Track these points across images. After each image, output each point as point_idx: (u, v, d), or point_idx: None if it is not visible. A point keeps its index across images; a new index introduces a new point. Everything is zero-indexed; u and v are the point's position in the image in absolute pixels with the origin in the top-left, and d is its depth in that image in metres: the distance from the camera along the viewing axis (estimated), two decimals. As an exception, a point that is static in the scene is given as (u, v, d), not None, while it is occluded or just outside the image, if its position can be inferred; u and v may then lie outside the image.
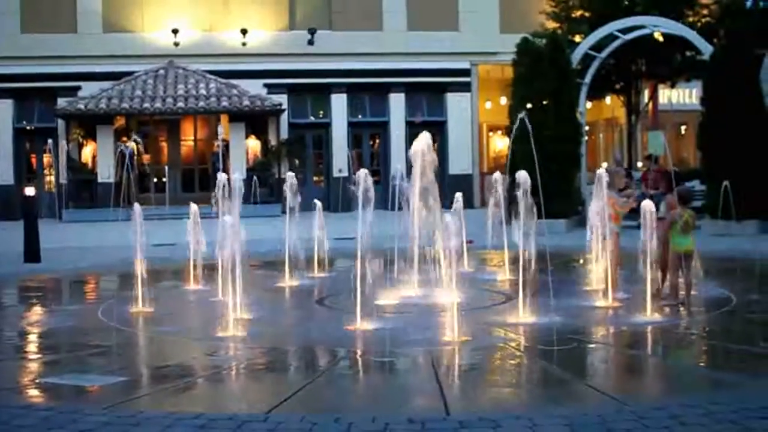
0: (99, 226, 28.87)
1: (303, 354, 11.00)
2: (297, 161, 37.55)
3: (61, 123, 36.31)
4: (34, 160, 37.99)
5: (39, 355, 11.27)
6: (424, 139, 13.93)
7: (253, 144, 37.05)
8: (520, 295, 12.24)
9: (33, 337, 12.39)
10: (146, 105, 35.26)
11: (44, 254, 20.62)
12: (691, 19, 31.39)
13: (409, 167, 14.10)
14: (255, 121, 36.93)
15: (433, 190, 13.81)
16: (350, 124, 38.56)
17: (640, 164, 32.76)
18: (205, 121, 37.68)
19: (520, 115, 16.03)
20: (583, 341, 11.31)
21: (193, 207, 15.82)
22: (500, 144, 41.69)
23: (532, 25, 31.83)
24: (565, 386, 9.13)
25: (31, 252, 20.50)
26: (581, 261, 16.07)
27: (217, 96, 35.99)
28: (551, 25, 32.33)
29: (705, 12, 32.06)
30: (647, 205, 12.24)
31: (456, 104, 38.92)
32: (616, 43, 29.10)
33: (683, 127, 44.45)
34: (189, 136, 38.33)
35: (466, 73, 38.96)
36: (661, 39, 30.13)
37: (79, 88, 36.43)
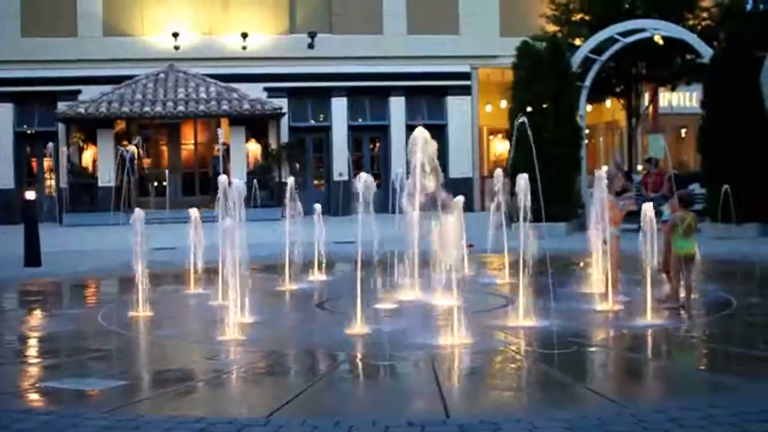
0: (99, 229, 28.86)
1: (303, 357, 11.00)
2: (297, 165, 37.55)
3: (61, 127, 36.34)
4: (34, 164, 38.02)
5: (39, 359, 11.27)
6: (422, 132, 13.90)
7: (254, 148, 37.07)
8: (521, 298, 12.24)
9: (33, 341, 12.40)
10: (146, 109, 35.27)
11: (45, 258, 20.63)
12: (691, 22, 31.42)
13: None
14: (255, 124, 36.95)
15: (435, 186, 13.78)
16: (350, 128, 38.59)
17: (640, 167, 32.74)
18: (205, 124, 37.70)
19: (520, 119, 16.02)
20: (584, 344, 11.30)
21: (194, 212, 15.84)
22: (500, 147, 41.70)
23: (532, 28, 31.85)
24: (565, 389, 9.13)
25: (32, 256, 20.50)
26: (581, 264, 16.06)
27: (217, 100, 36.01)
28: (551, 28, 32.37)
29: (705, 15, 32.10)
30: (647, 207, 12.24)
31: (456, 108, 38.94)
32: (616, 47, 29.12)
33: (683, 130, 44.47)
34: (189, 140, 38.35)
35: (466, 76, 38.98)
36: (661, 42, 30.16)
37: (79, 91, 36.47)
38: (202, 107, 35.62)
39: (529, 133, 15.39)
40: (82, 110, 35.14)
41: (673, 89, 36.91)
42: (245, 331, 11.63)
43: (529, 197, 12.83)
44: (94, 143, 36.39)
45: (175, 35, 37.01)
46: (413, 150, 13.49)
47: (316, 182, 38.97)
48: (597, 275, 14.59)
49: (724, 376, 9.54)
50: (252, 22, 37.68)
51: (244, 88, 36.63)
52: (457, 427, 7.38)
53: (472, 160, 38.84)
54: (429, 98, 38.96)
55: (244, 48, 37.44)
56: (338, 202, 34.09)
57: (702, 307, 13.56)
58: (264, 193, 33.17)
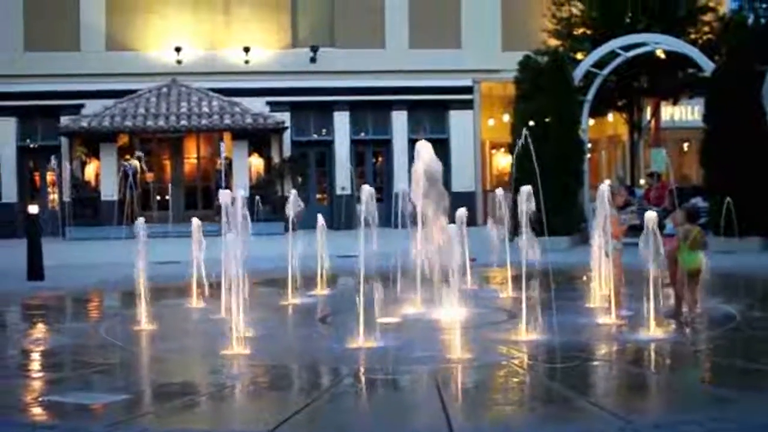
0: (102, 243, 28.88)
1: (306, 372, 11.01)
2: (300, 179, 37.56)
3: (64, 141, 36.40)
4: (37, 178, 38.07)
5: (42, 373, 11.26)
6: (426, 146, 13.93)
7: (256, 162, 37.12)
8: (523, 312, 12.25)
9: (36, 355, 12.39)
10: (149, 123, 35.35)
11: (48, 272, 20.64)
12: (692, 36, 31.44)
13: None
14: (258, 138, 37.00)
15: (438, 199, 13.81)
16: (353, 142, 38.61)
17: (642, 181, 32.76)
18: (207, 138, 37.75)
19: (522, 135, 16.06)
20: (586, 358, 11.30)
21: (196, 222, 15.85)
22: (503, 161, 41.71)
23: (534, 42, 31.88)
24: (568, 404, 9.12)
25: (35, 270, 20.51)
26: (584, 278, 16.07)
27: (219, 114, 36.06)
28: (553, 42, 32.40)
29: (707, 29, 32.12)
30: (650, 218, 12.23)
31: (458, 122, 38.96)
32: (618, 61, 29.15)
33: (686, 144, 44.47)
34: (192, 154, 38.39)
35: (468, 90, 39.01)
36: (663, 56, 30.19)
37: (82, 106, 36.55)
38: (204, 121, 35.69)
39: (531, 147, 15.44)
40: (84, 124, 35.21)
41: (675, 103, 36.92)
42: (249, 345, 11.63)
43: (531, 211, 12.83)
44: (97, 157, 36.44)
45: (178, 50, 37.09)
46: (417, 163, 13.56)
47: (318, 196, 38.97)
48: (600, 289, 14.60)
49: (727, 389, 9.53)
50: (254, 37, 37.75)
51: (246, 102, 36.70)
52: (460, 441, 7.40)
53: (474, 174, 38.83)
54: (431, 112, 38.98)
55: (246, 62, 37.51)
56: (341, 216, 34.10)
57: (705, 321, 13.54)
58: (266, 208, 33.18)
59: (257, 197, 29.64)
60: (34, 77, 35.73)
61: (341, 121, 38.50)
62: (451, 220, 13.90)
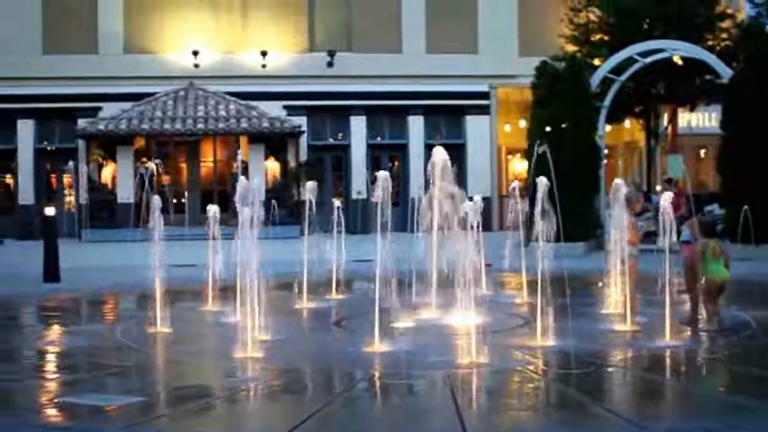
0: (118, 246, 28.95)
1: (320, 376, 11.00)
2: (316, 183, 37.45)
3: (81, 143, 36.49)
4: (54, 181, 38.13)
5: (57, 375, 11.29)
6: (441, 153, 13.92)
7: (273, 165, 37.13)
8: (538, 317, 12.23)
9: (52, 357, 12.43)
10: (166, 126, 35.40)
11: (64, 274, 20.69)
12: (710, 43, 31.40)
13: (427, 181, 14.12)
14: (274, 142, 37.00)
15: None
16: (369, 146, 38.60)
17: (659, 188, 32.68)
18: (224, 142, 37.76)
19: (540, 143, 16.00)
20: (601, 365, 11.28)
21: (212, 208, 15.96)
22: (519, 167, 41.65)
23: (551, 48, 31.85)
24: (583, 410, 9.11)
25: (51, 271, 20.57)
26: (600, 284, 16.05)
27: (236, 117, 36.12)
28: (570, 48, 32.38)
29: (724, 35, 32.07)
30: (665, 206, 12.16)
31: (475, 127, 38.89)
32: (635, 67, 29.12)
33: (702, 151, 44.36)
34: (208, 158, 38.40)
35: (485, 95, 38.96)
36: (680, 62, 30.14)
37: (99, 108, 36.63)
38: (221, 125, 35.73)
39: (548, 153, 15.41)
40: (102, 127, 35.29)
41: (692, 110, 36.84)
42: (263, 349, 11.64)
43: (548, 217, 12.81)
44: (114, 160, 36.53)
45: (195, 53, 37.15)
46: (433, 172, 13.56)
47: (334, 200, 38.86)
48: (615, 295, 14.57)
49: (742, 397, 9.50)
50: (271, 41, 37.79)
51: (263, 106, 36.72)
52: (474, 446, 7.39)
53: (490, 180, 38.76)
54: (448, 117, 38.94)
55: (263, 66, 37.54)
56: (357, 221, 34.09)
57: (721, 328, 13.48)
58: (282, 211, 33.19)
59: (273, 201, 29.67)
60: (52, 80, 35.83)
61: (358, 125, 38.50)
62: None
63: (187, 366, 11.73)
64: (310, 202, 17.81)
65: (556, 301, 12.66)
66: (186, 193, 36.76)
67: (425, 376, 10.51)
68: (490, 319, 13.56)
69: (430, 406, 9.34)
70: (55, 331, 14.66)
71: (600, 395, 9.86)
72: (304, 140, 37.58)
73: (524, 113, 31.65)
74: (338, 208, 17.28)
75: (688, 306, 13.83)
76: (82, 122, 35.94)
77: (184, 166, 38.24)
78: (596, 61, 30.70)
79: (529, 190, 19.10)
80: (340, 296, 17.25)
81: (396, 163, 39.34)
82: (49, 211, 22.03)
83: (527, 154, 28.07)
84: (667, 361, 11.52)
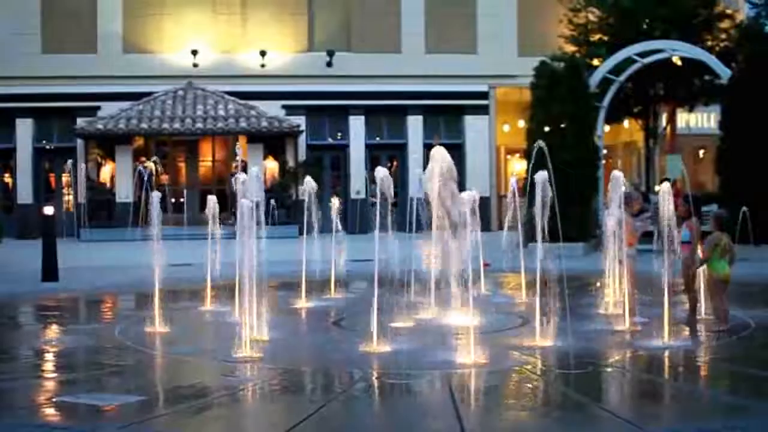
0: (117, 245, 28.96)
1: (319, 375, 11.00)
2: (315, 183, 37.44)
3: (80, 143, 36.50)
4: (53, 180, 38.15)
5: (56, 374, 11.30)
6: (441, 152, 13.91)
7: (271, 165, 37.13)
8: (537, 318, 12.23)
9: (50, 356, 12.42)
10: (165, 125, 35.42)
11: (62, 273, 20.69)
12: (709, 44, 31.41)
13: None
14: (273, 142, 37.03)
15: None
16: (368, 146, 38.61)
17: (657, 188, 32.68)
18: (223, 142, 37.78)
19: (538, 143, 15.97)
20: (600, 365, 11.27)
21: (211, 198, 16.00)
22: (518, 167, 41.66)
23: (550, 48, 31.84)
24: (581, 410, 9.10)
25: (49, 271, 20.56)
26: (598, 284, 16.04)
27: (235, 117, 36.12)
28: (569, 48, 32.39)
29: (723, 36, 32.08)
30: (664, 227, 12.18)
31: (474, 127, 38.93)
32: (634, 67, 29.12)
33: (701, 151, 44.37)
34: (207, 157, 38.42)
35: (484, 95, 39.00)
36: (679, 63, 30.14)
37: (98, 108, 36.66)
38: (220, 124, 35.74)
39: (546, 153, 15.39)
40: (100, 126, 35.30)
41: (691, 110, 36.85)
42: (261, 349, 11.64)
43: (545, 217, 12.79)
44: (113, 159, 36.57)
45: (194, 53, 37.16)
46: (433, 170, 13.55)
47: (333, 199, 38.82)
48: (613, 296, 14.57)
49: (742, 397, 9.50)
50: (271, 40, 37.80)
51: (262, 105, 36.75)
52: (472, 446, 7.38)
53: (489, 180, 38.76)
54: (447, 117, 38.95)
55: (262, 66, 37.55)
56: (356, 220, 34.10)
57: (715, 329, 13.45)
58: (281, 211, 33.19)
59: (272, 201, 29.67)
60: (51, 79, 35.84)
61: (356, 125, 38.51)
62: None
63: (186, 365, 11.72)
64: (309, 202, 17.78)
65: (554, 301, 12.64)
66: (185, 193, 36.74)
67: (424, 376, 10.50)
68: (489, 319, 13.56)
69: (428, 406, 9.34)
70: (54, 330, 14.66)
71: (599, 396, 9.85)
72: (302, 140, 37.61)
73: (523, 113, 31.65)
74: (337, 207, 17.29)
75: (686, 306, 13.81)
76: (80, 121, 35.97)
77: (182, 165, 38.26)
78: (595, 62, 30.72)
79: (526, 192, 19.10)
80: (339, 296, 17.25)
81: (395, 163, 39.33)
82: (48, 210, 22.01)
83: (526, 154, 28.08)
84: (666, 361, 11.52)
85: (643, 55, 28.74)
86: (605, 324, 13.67)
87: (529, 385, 10.43)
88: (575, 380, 10.22)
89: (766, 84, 24.82)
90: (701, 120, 41.85)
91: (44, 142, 37.43)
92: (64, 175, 36.89)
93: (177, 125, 35.48)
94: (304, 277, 16.81)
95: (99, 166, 36.71)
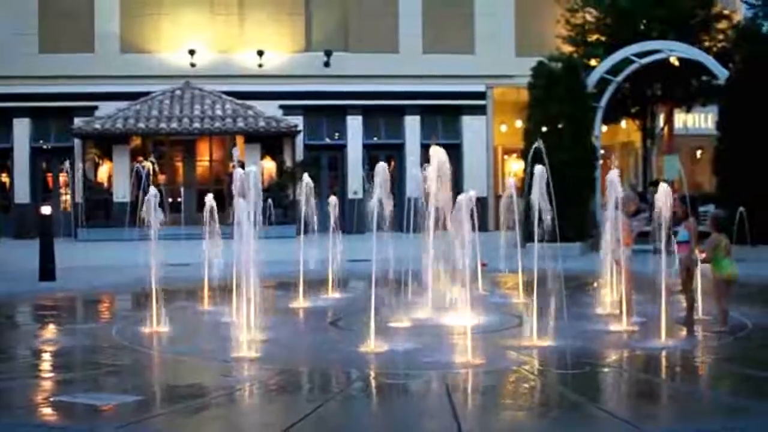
0: (114, 245, 28.93)
1: (316, 375, 11.00)
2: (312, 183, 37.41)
3: (77, 142, 36.46)
4: (50, 179, 38.13)
5: (53, 374, 11.30)
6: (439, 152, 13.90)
7: (269, 165, 37.10)
8: (534, 318, 12.23)
9: (47, 356, 12.43)
10: (162, 125, 35.40)
11: (59, 273, 20.68)
12: (707, 44, 31.42)
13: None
14: (270, 142, 37.01)
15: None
16: (365, 146, 38.60)
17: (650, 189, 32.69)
18: (220, 141, 37.76)
19: (535, 144, 15.99)
20: (597, 365, 11.28)
21: (209, 197, 16.03)
22: (515, 167, 41.66)
23: (548, 48, 31.82)
24: (579, 410, 9.11)
25: (47, 270, 20.56)
26: (595, 284, 16.05)
27: (232, 117, 36.11)
28: (567, 48, 32.38)
29: (721, 37, 32.09)
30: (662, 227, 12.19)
31: (471, 127, 38.93)
32: (631, 68, 29.13)
33: (699, 152, 44.40)
34: (204, 157, 38.40)
35: (481, 95, 39.01)
36: (676, 63, 30.15)
37: (95, 107, 36.62)
38: (217, 124, 35.73)
39: (544, 154, 15.42)
40: (98, 126, 35.28)
41: (688, 110, 36.86)
42: (259, 348, 11.64)
43: (544, 217, 12.79)
44: (110, 159, 36.55)
45: (192, 52, 37.14)
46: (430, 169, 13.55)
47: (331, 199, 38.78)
48: (611, 296, 14.58)
49: (739, 398, 9.51)
50: (268, 40, 37.80)
51: (259, 105, 36.74)
52: (470, 446, 7.38)
53: (486, 180, 38.78)
54: (444, 117, 38.94)
55: (260, 66, 37.55)
56: (353, 220, 34.09)
57: (715, 330, 13.46)
58: (278, 211, 33.18)
59: (269, 200, 29.66)
60: (49, 79, 35.82)
61: (354, 125, 38.52)
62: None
63: (183, 365, 11.72)
64: (306, 202, 17.80)
65: (551, 301, 12.65)
66: (182, 192, 36.69)
67: (421, 376, 10.50)
68: (486, 319, 13.57)
69: (425, 406, 9.34)
70: (51, 330, 14.66)
71: (596, 396, 9.86)
72: (300, 140, 37.60)
73: (520, 113, 31.64)
74: (335, 207, 17.31)
75: (684, 306, 13.81)
76: (78, 121, 35.93)
77: (180, 165, 38.23)
78: (593, 62, 30.71)
79: (523, 192, 19.09)
80: (337, 295, 17.25)
81: (392, 163, 39.30)
82: (45, 210, 22.01)
83: (524, 155, 28.07)
84: (663, 361, 11.53)
85: (640, 55, 28.75)
86: (602, 324, 13.67)
87: (527, 385, 10.44)
88: (573, 380, 10.22)
89: (763, 84, 24.82)
90: (698, 120, 41.88)
91: (41, 141, 37.39)
92: (61, 174, 36.87)
93: (174, 125, 35.46)
94: (302, 277, 16.81)
95: (96, 165, 36.68)
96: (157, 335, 13.47)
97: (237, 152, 34.21)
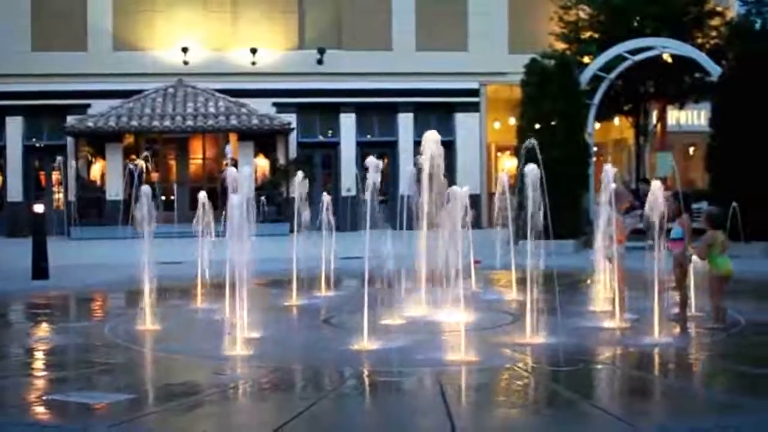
0: (107, 243, 28.90)
1: (309, 373, 10.97)
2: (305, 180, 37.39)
3: (70, 140, 36.42)
4: (43, 178, 38.07)
5: (46, 373, 11.27)
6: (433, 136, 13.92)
7: (262, 163, 37.11)
8: (527, 315, 12.23)
9: (40, 354, 12.40)
10: (155, 123, 35.37)
11: (52, 271, 20.64)
12: (700, 41, 31.42)
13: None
14: (264, 140, 37.02)
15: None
16: (359, 144, 38.58)
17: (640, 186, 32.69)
18: (213, 139, 37.75)
19: (528, 142, 16.01)
20: (591, 362, 11.29)
21: (202, 194, 16.03)
22: (509, 164, 41.66)
23: (541, 45, 31.84)
24: (572, 407, 9.11)
25: (40, 269, 20.52)
26: (588, 281, 16.06)
27: (226, 115, 36.08)
28: (560, 46, 32.39)
29: (714, 34, 32.10)
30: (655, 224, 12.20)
31: (464, 124, 38.95)
32: (625, 65, 29.14)
33: (692, 149, 44.44)
34: (198, 155, 38.38)
35: (474, 93, 39.02)
36: (669, 60, 30.17)
37: (88, 105, 36.58)
38: (210, 122, 35.70)
39: (537, 151, 15.43)
40: (91, 124, 35.24)
41: (681, 107, 36.88)
42: (252, 346, 11.62)
43: (537, 214, 12.79)
44: (103, 157, 36.51)
45: (185, 50, 37.10)
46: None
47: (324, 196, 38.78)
48: (604, 293, 14.58)
49: (733, 395, 9.52)
50: (261, 38, 37.77)
51: (253, 103, 36.71)
52: (463, 444, 7.38)
53: (480, 177, 38.78)
54: (437, 114, 38.92)
55: (253, 63, 37.52)
56: (346, 218, 34.08)
57: (709, 326, 13.47)
58: (272, 209, 33.17)
59: (262, 198, 29.65)
60: (41, 77, 35.76)
61: (347, 122, 38.51)
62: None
63: (176, 363, 11.70)
64: (300, 200, 17.79)
65: (545, 298, 12.65)
66: (175, 190, 36.68)
67: (414, 374, 10.50)
68: (479, 316, 13.57)
69: (419, 404, 9.33)
70: (44, 328, 14.63)
71: (590, 393, 9.85)
72: (293, 138, 37.60)
73: (514, 111, 31.61)
74: (328, 204, 17.31)
75: (677, 301, 13.82)
76: (71, 119, 35.89)
77: (173, 163, 38.23)
78: (586, 59, 30.73)
79: (516, 189, 19.09)
80: (330, 293, 17.24)
81: (386, 161, 39.29)
82: (38, 208, 21.98)
83: (517, 152, 28.07)
84: (657, 358, 11.53)
85: (633, 52, 28.76)
86: (596, 321, 13.68)
87: (520, 383, 10.43)
88: (566, 377, 10.22)
89: (756, 81, 24.84)
90: (692, 117, 41.90)
91: (34, 140, 37.31)
92: (54, 173, 36.82)
93: (167, 123, 35.43)
94: (295, 275, 16.80)
95: (89, 163, 36.66)
96: (150, 333, 13.45)
97: (230, 150, 34.30)
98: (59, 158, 35.53)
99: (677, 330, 13.01)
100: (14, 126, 36.81)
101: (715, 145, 25.84)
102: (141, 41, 37.57)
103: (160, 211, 35.18)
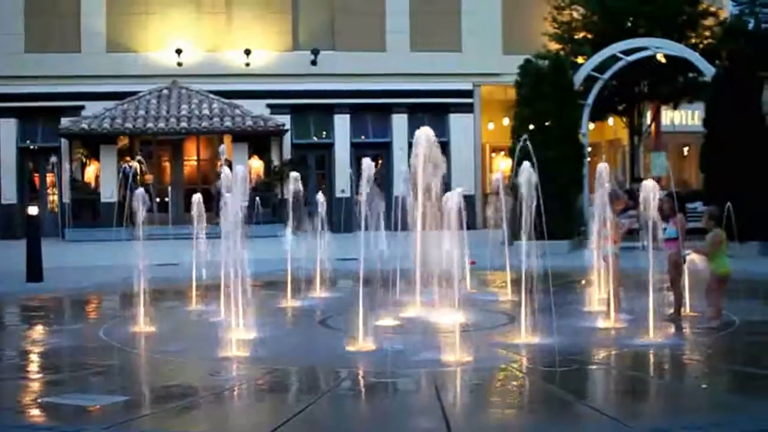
0: (102, 245, 28.83)
1: (305, 375, 10.97)
2: (300, 182, 37.40)
3: (64, 142, 36.36)
4: (37, 180, 38.02)
5: (40, 375, 11.25)
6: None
7: (256, 164, 37.08)
8: (522, 315, 12.23)
9: (34, 357, 12.38)
10: (149, 125, 35.33)
11: (47, 273, 20.61)
12: (693, 41, 31.48)
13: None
14: (258, 141, 36.99)
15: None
16: (353, 145, 38.57)
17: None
18: (208, 141, 37.70)
19: (522, 140, 16.03)
20: (585, 362, 11.29)
21: (196, 197, 16.04)
22: (503, 165, 41.67)
23: (534, 46, 31.87)
24: (567, 407, 9.12)
25: (34, 271, 20.49)
26: (583, 282, 16.07)
27: (220, 116, 36.06)
28: (554, 46, 32.40)
29: (707, 34, 32.15)
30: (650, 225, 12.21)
31: (459, 125, 38.94)
32: (618, 65, 29.16)
33: (686, 149, 44.49)
34: (192, 156, 38.35)
35: (468, 94, 39.03)
36: (663, 60, 30.20)
37: (82, 107, 36.54)
38: (204, 124, 35.69)
39: (531, 151, 15.44)
40: (85, 126, 35.19)
41: (675, 107, 36.94)
42: (247, 348, 11.61)
43: (531, 215, 12.79)
44: (97, 159, 36.43)
45: (179, 51, 37.08)
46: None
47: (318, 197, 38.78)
48: (598, 293, 14.59)
49: (726, 394, 9.53)
50: (255, 39, 37.75)
51: (246, 104, 36.70)
52: (458, 444, 7.38)
53: (474, 178, 38.78)
54: (431, 115, 38.79)
55: (247, 65, 37.50)
56: (340, 219, 34.07)
57: (705, 325, 13.48)
58: (266, 210, 33.14)
59: (257, 199, 29.64)
60: (35, 78, 35.73)
61: (341, 124, 38.50)
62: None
63: (171, 365, 11.67)
64: (294, 201, 17.80)
65: (539, 298, 12.66)
66: (169, 192, 36.65)
67: (410, 375, 10.50)
68: (474, 316, 13.57)
69: (414, 404, 9.34)
70: (38, 330, 14.61)
71: (584, 393, 9.87)
72: (287, 139, 37.58)
73: (508, 111, 31.66)
74: (322, 204, 17.31)
75: (672, 300, 13.84)
76: (65, 121, 35.86)
77: (167, 164, 38.19)
78: (580, 59, 30.75)
79: (511, 190, 19.10)
80: (325, 294, 17.24)
81: (380, 162, 39.29)
82: (32, 210, 21.93)
83: (511, 153, 28.08)
84: (651, 358, 11.54)
85: (627, 52, 28.79)
86: (590, 321, 13.68)
87: (515, 383, 10.45)
88: (561, 378, 10.22)
89: (749, 82, 24.88)
90: (685, 117, 41.96)
91: (28, 142, 37.26)
92: (48, 174, 36.79)
93: (161, 125, 35.40)
94: (290, 276, 16.79)
95: (83, 165, 36.57)
96: (145, 335, 13.43)
97: (224, 152, 34.25)
98: (53, 160, 35.50)
99: (672, 329, 13.02)
100: (8, 128, 36.73)
101: (708, 145, 25.86)
102: (135, 43, 37.53)
103: (154, 212, 35.44)
